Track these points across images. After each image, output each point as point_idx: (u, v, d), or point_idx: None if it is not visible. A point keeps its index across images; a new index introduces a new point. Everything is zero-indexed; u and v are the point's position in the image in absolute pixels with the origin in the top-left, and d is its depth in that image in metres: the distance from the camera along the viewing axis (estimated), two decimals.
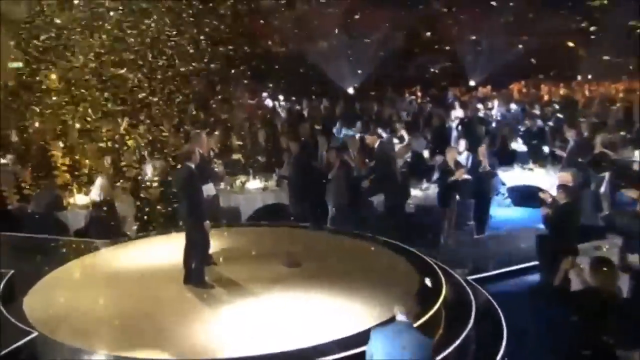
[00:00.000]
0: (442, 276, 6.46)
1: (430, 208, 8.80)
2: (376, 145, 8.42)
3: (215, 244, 6.68)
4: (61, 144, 9.86)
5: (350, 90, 18.34)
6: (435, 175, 9.52)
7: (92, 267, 7.01)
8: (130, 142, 12.31)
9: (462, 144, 9.75)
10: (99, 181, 8.94)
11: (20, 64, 11.45)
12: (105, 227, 8.48)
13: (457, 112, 13.29)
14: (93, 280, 6.56)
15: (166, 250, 7.21)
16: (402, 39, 18.66)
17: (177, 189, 6.20)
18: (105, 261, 7.20)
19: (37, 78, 9.99)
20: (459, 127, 11.95)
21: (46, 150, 9.91)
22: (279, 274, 6.54)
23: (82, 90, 9.92)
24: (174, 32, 10.92)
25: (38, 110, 9.63)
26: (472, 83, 17.43)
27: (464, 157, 9.47)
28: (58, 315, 5.70)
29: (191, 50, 10.51)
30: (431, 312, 5.54)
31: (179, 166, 6.44)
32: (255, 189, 9.86)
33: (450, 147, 9.05)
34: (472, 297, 6.29)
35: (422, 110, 13.76)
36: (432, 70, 18.26)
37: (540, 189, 9.41)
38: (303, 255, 6.94)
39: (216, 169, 7.33)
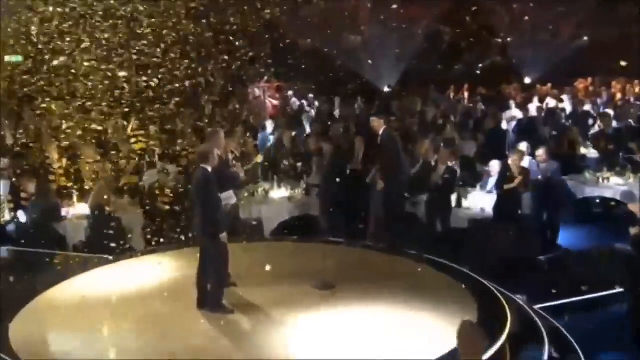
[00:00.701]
0: (505, 304, 5.89)
1: (487, 222, 8.23)
2: (381, 131, 7.81)
3: (235, 262, 6.33)
4: (58, 145, 9.56)
5: (386, 89, 17.91)
6: (491, 184, 8.93)
7: (90, 288, 6.71)
8: (138, 146, 12.37)
9: (523, 147, 9.15)
10: (97, 188, 8.81)
11: (19, 58, 11.34)
12: (108, 241, 8.23)
13: (513, 112, 12.73)
14: (90, 304, 6.25)
15: (178, 268, 7.01)
16: (446, 31, 18.16)
17: (192, 194, 5.99)
18: (106, 281, 6.91)
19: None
20: (517, 129, 11.35)
21: (42, 151, 9.65)
22: (309, 297, 6.26)
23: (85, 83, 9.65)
24: (191, 25, 10.88)
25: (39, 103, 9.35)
26: (527, 80, 16.81)
27: (526, 163, 8.88)
28: (48, 345, 5.42)
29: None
30: (494, 349, 5.02)
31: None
32: (279, 198, 9.58)
33: (515, 150, 8.48)
34: (543, 331, 5.70)
35: (471, 111, 13.20)
36: (480, 66, 17.68)
37: (617, 201, 8.83)
38: (336, 276, 6.66)
39: (237, 173, 6.86)
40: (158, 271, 7.11)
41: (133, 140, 12.29)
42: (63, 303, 6.33)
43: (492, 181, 8.92)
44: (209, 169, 5.87)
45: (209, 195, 5.81)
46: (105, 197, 8.73)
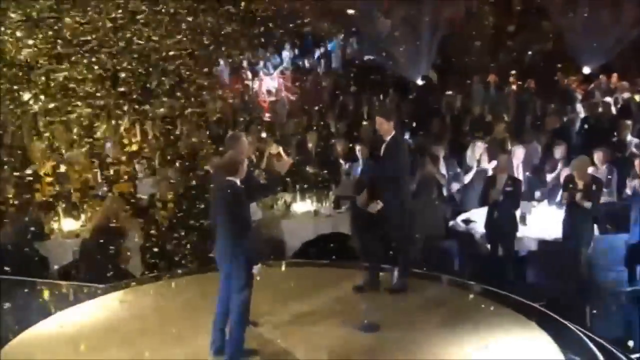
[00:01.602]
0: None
1: (556, 244, 7.66)
2: (389, 137, 6.71)
3: (254, 293, 5.76)
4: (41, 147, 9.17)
5: (419, 81, 17.36)
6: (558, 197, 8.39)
7: (76, 328, 6.27)
8: (133, 147, 12.00)
9: (599, 153, 8.56)
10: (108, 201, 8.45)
11: None
12: (101, 265, 7.73)
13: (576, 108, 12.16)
14: (75, 350, 5.77)
15: (185, 301, 6.67)
16: (488, 12, 17.57)
17: (216, 214, 5.56)
18: (96, 318, 6.50)
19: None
20: (582, 130, 10.77)
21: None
22: (349, 341, 5.78)
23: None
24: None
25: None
26: (586, 70, 16.15)
27: (602, 172, 8.31)
28: None
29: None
30: None
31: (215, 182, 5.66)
32: (303, 212, 9.26)
33: (581, 158, 7.88)
34: None
35: (525, 106, 12.61)
36: (529, 53, 17.05)
37: None
38: (379, 312, 6.24)
39: (264, 182, 6.44)
40: (163, 305, 6.75)
41: (126, 141, 12.03)
42: (41, 349, 5.85)
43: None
44: (238, 182, 5.49)
45: (242, 215, 5.44)
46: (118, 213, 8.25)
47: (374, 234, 7.94)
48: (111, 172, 10.69)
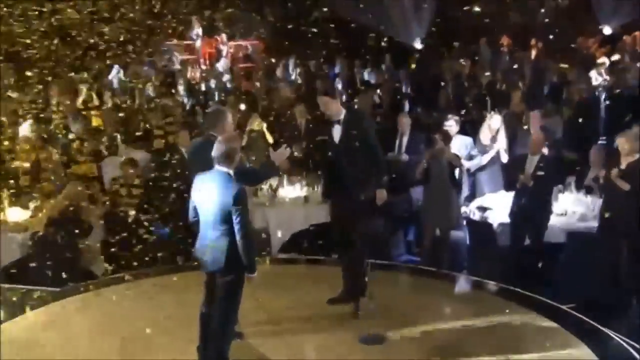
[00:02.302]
0: None
1: (593, 236, 7.30)
2: (341, 117, 6.09)
3: None
4: None
5: (418, 44, 16.85)
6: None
7: (25, 345, 5.80)
8: (94, 122, 11.49)
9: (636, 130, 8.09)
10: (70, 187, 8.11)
11: None
12: (57, 264, 7.37)
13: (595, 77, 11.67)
14: None
15: (159, 309, 6.39)
16: None
17: (207, 212, 5.10)
18: (46, 333, 6.06)
19: None
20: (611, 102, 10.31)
21: None
22: (350, 355, 5.58)
23: None
24: None
25: None
26: (607, 31, 15.66)
27: None
28: None
29: None
30: None
31: (203, 173, 5.19)
32: (291, 199, 8.82)
33: (624, 134, 7.40)
34: None
35: (540, 74, 12.11)
36: (543, 11, 16.50)
37: None
38: (382, 319, 6.11)
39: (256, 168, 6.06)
40: (124, 311, 6.49)
41: (85, 113, 11.54)
42: None
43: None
44: (231, 172, 5.07)
45: (242, 211, 4.99)
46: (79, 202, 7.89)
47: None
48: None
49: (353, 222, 6.11)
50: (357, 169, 6.02)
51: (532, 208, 7.48)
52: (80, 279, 7.33)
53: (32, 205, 8.41)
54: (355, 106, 7.60)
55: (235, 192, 4.94)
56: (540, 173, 7.48)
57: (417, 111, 11.03)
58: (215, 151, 5.04)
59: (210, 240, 5.08)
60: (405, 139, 9.16)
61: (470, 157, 8.67)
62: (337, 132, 6.10)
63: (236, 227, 4.94)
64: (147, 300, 6.74)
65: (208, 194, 5.05)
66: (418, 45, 16.88)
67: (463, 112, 10.22)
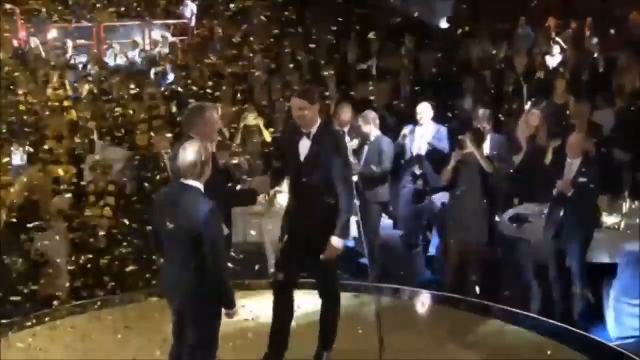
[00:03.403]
0: None
1: None
2: (313, 130, 5.40)
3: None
4: None
5: (444, 24, 16.32)
6: None
7: None
8: (68, 116, 11.05)
9: None
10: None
11: None
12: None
13: None
14: None
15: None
16: None
17: (170, 237, 4.65)
18: None
19: None
20: None
21: None
22: None
23: None
24: None
25: None
26: None
27: None
28: None
29: None
30: None
31: (165, 188, 4.97)
32: None
33: None
34: None
35: (588, 58, 11.47)
36: None
37: None
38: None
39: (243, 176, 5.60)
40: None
41: (57, 103, 11.08)
42: None
43: None
44: (201, 187, 4.61)
45: (214, 237, 4.50)
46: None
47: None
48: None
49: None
50: (317, 202, 5.26)
51: (572, 222, 6.89)
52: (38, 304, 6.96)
53: None
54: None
55: (205, 211, 4.45)
56: (583, 179, 6.87)
57: (441, 102, 10.43)
58: (180, 160, 4.56)
59: (174, 274, 4.59)
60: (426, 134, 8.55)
61: (501, 159, 8.03)
62: (304, 148, 5.39)
63: (207, 257, 4.43)
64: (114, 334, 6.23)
65: (171, 215, 4.54)
66: (444, 24, 16.52)
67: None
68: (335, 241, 5.22)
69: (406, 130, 8.52)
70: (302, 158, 5.35)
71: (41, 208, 7.53)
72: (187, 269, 4.52)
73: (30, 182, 7.62)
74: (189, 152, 4.55)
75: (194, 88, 11.69)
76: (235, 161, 5.63)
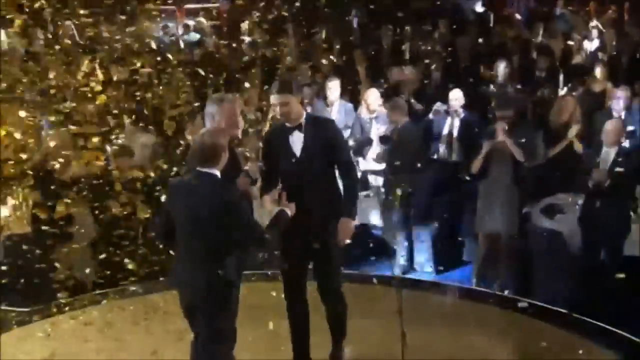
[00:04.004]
0: None
1: None
2: (301, 123, 5.20)
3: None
4: None
5: (479, 7, 15.89)
6: None
7: None
8: (100, 99, 10.95)
9: None
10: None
11: None
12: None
13: None
14: None
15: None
16: None
17: (185, 230, 4.53)
18: None
19: None
20: None
21: None
22: None
23: None
24: None
25: None
26: None
27: None
28: None
29: None
30: None
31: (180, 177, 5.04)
32: None
33: None
34: None
35: (629, 41, 11.04)
36: None
37: None
38: None
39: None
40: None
41: (88, 88, 10.99)
42: None
43: None
44: (217, 173, 4.50)
45: (231, 223, 4.38)
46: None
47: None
48: None
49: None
50: (319, 192, 5.07)
51: (608, 213, 6.65)
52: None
53: (12, 201, 7.84)
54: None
55: (227, 195, 4.35)
56: (620, 169, 6.68)
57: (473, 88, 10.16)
58: (197, 146, 4.50)
59: (188, 268, 4.44)
60: (456, 122, 8.31)
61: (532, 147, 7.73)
62: (297, 141, 5.16)
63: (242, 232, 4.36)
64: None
65: (189, 204, 4.41)
66: (479, 8, 15.95)
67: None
68: (347, 222, 5.04)
69: (440, 107, 8.30)
70: (297, 152, 5.11)
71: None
72: (205, 260, 4.38)
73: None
74: (206, 139, 4.48)
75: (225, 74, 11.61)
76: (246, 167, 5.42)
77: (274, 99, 5.15)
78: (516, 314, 6.35)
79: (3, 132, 8.67)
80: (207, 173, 4.44)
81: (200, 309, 4.44)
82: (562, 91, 9.36)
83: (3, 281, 6.67)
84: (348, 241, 5.12)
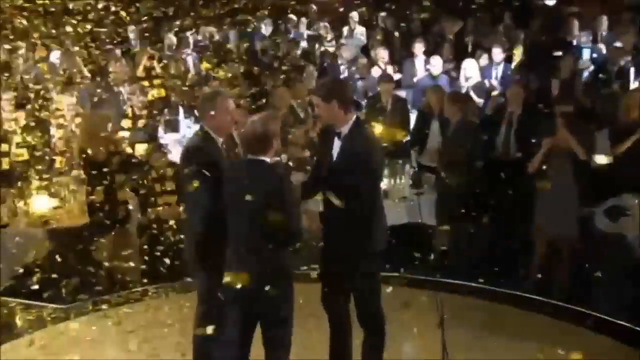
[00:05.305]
0: None
1: None
2: (345, 129, 4.83)
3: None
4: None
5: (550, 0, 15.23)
6: None
7: None
8: (158, 92, 10.88)
9: None
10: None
11: None
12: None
13: None
14: None
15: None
16: None
17: (238, 213, 4.40)
18: None
19: None
20: None
21: None
22: None
23: None
24: None
25: None
26: None
27: None
28: None
29: None
30: None
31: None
32: None
33: None
34: None
35: None
36: None
37: None
38: None
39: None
40: None
41: (146, 83, 10.98)
42: None
43: None
44: (268, 160, 4.43)
45: (289, 204, 4.33)
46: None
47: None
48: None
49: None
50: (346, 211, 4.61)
51: None
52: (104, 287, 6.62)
53: (62, 192, 7.77)
54: None
55: (277, 179, 4.32)
56: None
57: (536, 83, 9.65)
58: (247, 133, 4.40)
59: (243, 258, 4.33)
60: (515, 118, 7.84)
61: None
62: (336, 149, 4.79)
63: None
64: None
65: (239, 194, 4.26)
66: (550, 1, 15.41)
67: None
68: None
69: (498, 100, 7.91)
70: (333, 160, 4.78)
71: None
72: (265, 250, 4.26)
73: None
74: (257, 126, 4.36)
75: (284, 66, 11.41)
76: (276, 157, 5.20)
77: (313, 99, 5.00)
78: (573, 326, 5.87)
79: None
80: (257, 160, 4.34)
81: (264, 298, 4.27)
82: (634, 85, 8.80)
83: (43, 276, 6.55)
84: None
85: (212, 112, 4.80)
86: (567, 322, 5.96)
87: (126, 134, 8.91)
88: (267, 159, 4.40)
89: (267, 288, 4.27)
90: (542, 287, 6.56)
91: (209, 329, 4.46)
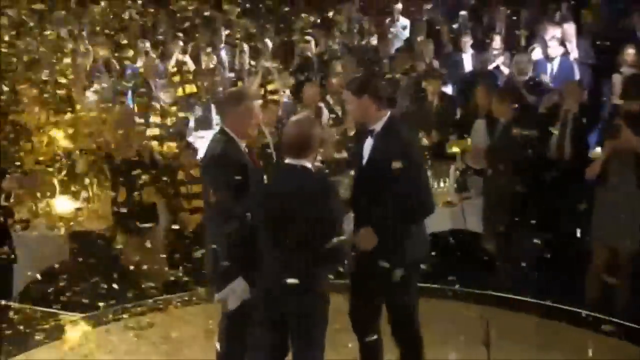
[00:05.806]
0: None
1: None
2: (378, 126, 4.51)
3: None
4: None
5: None
6: None
7: None
8: (188, 89, 10.57)
9: None
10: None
11: None
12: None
13: None
14: None
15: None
16: None
17: (273, 225, 4.14)
18: None
19: None
20: None
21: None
22: None
23: None
24: None
25: None
26: None
27: None
28: None
29: None
30: None
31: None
32: None
33: None
34: None
35: None
36: None
37: None
38: None
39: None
40: None
41: (177, 78, 10.78)
42: None
43: None
44: (311, 166, 4.14)
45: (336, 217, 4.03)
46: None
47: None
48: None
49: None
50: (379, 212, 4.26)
51: None
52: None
53: (84, 193, 7.55)
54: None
55: (322, 184, 4.04)
56: None
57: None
58: (286, 136, 4.14)
59: (278, 273, 3.99)
60: (570, 117, 7.31)
61: None
62: (367, 149, 4.45)
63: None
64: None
65: (276, 204, 4.02)
66: None
67: None
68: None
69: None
70: (364, 161, 4.43)
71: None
72: (301, 267, 3.96)
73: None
74: (297, 128, 4.12)
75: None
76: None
77: (344, 94, 4.66)
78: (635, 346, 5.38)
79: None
80: (297, 166, 4.06)
81: (296, 320, 4.05)
82: None
83: (63, 282, 6.31)
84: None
85: (236, 113, 4.48)
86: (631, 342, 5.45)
87: (155, 130, 8.69)
88: (309, 164, 4.10)
89: (298, 306, 4.03)
90: (600, 304, 6.05)
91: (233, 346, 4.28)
